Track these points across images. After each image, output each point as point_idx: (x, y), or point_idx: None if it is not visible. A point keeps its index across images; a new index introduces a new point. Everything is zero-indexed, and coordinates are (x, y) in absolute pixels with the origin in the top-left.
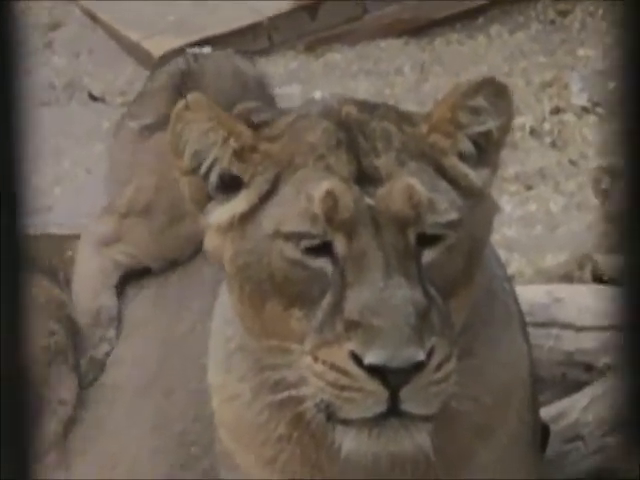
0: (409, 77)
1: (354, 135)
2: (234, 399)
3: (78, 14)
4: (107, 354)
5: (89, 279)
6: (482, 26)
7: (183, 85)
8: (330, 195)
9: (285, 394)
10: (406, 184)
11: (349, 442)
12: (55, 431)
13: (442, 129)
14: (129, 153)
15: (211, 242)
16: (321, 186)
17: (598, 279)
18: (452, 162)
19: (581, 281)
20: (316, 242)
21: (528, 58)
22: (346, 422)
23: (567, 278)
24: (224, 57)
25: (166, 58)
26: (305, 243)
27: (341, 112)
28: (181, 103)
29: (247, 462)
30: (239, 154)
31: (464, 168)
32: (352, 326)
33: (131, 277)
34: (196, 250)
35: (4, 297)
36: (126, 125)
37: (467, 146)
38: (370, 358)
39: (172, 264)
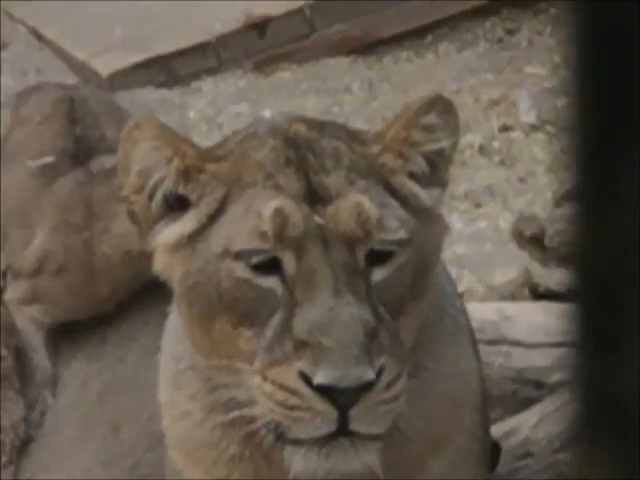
0: (358, 95)
1: (303, 153)
2: (184, 417)
3: (24, 33)
4: (43, 413)
5: (24, 341)
6: (430, 44)
7: (74, 112)
8: (279, 213)
9: (236, 413)
10: (355, 202)
11: (298, 462)
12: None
13: (395, 149)
14: (29, 196)
15: (160, 262)
16: (270, 204)
17: (536, 294)
18: (402, 181)
19: (522, 297)
20: (265, 258)
21: (476, 76)
22: (295, 442)
23: (516, 295)
24: (86, 86)
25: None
26: (255, 260)
27: (290, 130)
28: (131, 122)
29: None
30: (184, 174)
31: (414, 187)
32: (301, 345)
33: (64, 329)
34: (131, 293)
35: None
36: (21, 163)
37: (420, 165)
38: (319, 378)
39: (100, 313)
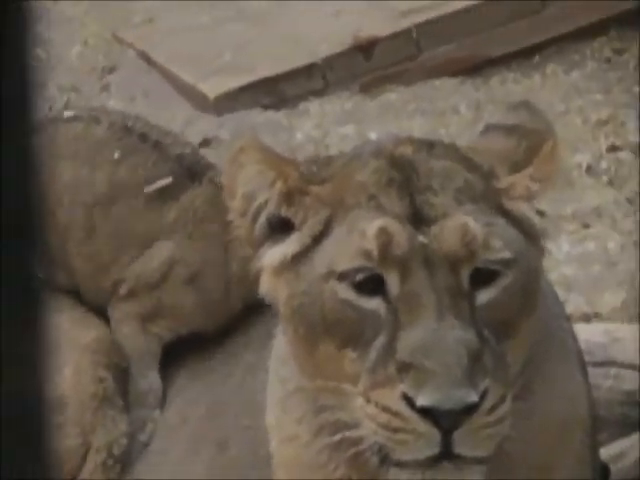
0: (465, 116)
1: (407, 174)
2: (292, 440)
3: (133, 57)
4: (152, 434)
5: (136, 360)
6: (538, 65)
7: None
8: (383, 232)
9: (341, 435)
10: (460, 222)
11: None
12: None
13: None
14: (148, 218)
15: (265, 284)
16: (374, 223)
17: None
18: (517, 205)
19: (630, 319)
20: (369, 276)
21: (584, 96)
22: (399, 464)
23: (624, 317)
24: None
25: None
26: (358, 277)
27: (395, 151)
28: (236, 145)
29: None
30: (287, 196)
31: (529, 211)
32: (404, 367)
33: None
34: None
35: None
36: (133, 192)
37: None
38: (422, 400)
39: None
